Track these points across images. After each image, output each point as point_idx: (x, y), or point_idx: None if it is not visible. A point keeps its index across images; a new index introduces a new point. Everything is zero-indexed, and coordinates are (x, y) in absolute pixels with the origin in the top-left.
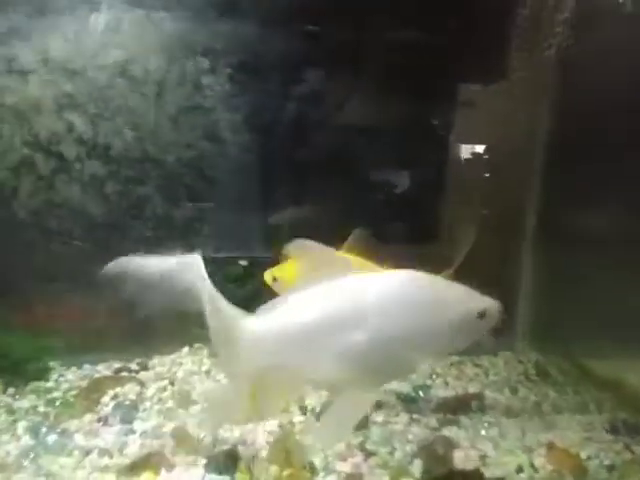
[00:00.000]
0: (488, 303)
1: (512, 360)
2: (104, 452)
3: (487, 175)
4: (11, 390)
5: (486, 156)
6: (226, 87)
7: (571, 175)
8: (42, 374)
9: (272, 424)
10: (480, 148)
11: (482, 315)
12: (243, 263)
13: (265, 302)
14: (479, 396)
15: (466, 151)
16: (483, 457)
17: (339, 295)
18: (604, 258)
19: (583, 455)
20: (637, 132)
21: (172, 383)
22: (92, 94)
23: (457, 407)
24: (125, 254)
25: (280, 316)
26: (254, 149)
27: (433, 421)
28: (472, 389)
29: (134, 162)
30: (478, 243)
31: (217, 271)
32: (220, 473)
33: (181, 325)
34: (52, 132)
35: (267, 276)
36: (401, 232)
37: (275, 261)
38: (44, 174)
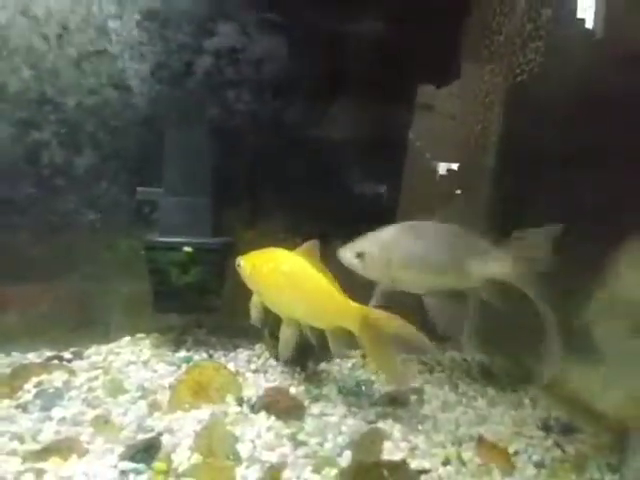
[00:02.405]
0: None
1: (458, 359)
2: (15, 437)
3: (440, 178)
4: None
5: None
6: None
7: (520, 182)
8: None
9: (204, 413)
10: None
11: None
12: (187, 249)
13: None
14: (418, 391)
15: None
16: (413, 449)
17: None
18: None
19: (511, 450)
20: (589, 146)
21: (106, 372)
22: None
23: (396, 401)
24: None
25: None
26: (162, 100)
27: (371, 414)
28: (415, 385)
29: (31, 104)
30: None
31: (160, 256)
32: (136, 461)
33: (124, 314)
34: None
35: (236, 262)
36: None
37: (229, 247)
38: None
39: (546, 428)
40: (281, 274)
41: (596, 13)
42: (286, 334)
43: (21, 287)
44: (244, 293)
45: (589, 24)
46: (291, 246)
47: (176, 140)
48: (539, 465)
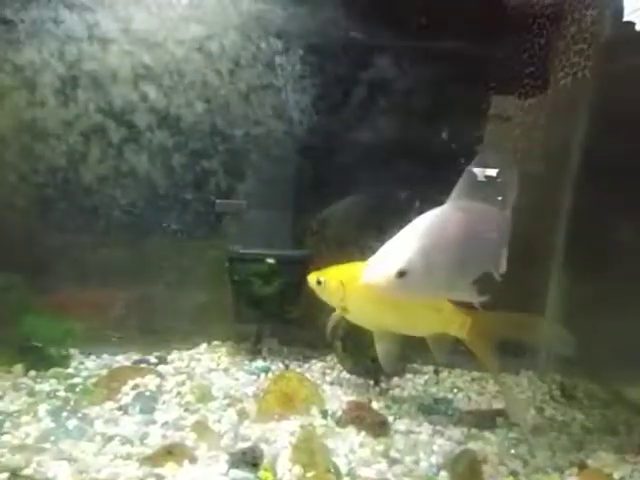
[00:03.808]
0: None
1: (535, 380)
2: (125, 440)
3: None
4: (32, 373)
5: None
6: (297, 68)
7: (604, 195)
8: (63, 360)
9: (294, 424)
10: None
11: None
12: (270, 260)
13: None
14: (502, 412)
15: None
16: (513, 473)
17: None
18: (636, 281)
19: (616, 476)
20: None
21: (191, 378)
22: (168, 67)
23: (481, 422)
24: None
25: None
26: (319, 131)
27: (457, 434)
28: (495, 405)
29: (203, 135)
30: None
31: (244, 268)
32: (243, 469)
33: (199, 322)
34: (126, 101)
35: (311, 279)
36: None
37: (308, 260)
38: (114, 141)
39: None
40: None
41: None
42: (384, 347)
43: (106, 292)
44: (314, 305)
45: None
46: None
47: (263, 155)
48: None
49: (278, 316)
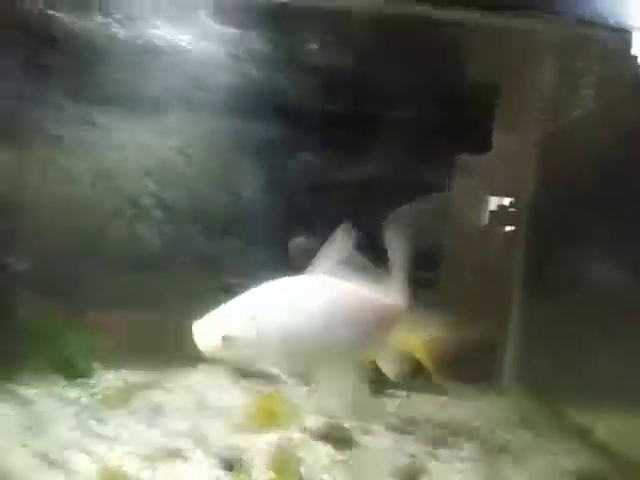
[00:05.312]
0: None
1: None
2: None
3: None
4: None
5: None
6: None
7: (559, 237)
8: (86, 373)
9: (272, 437)
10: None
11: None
12: None
13: None
14: (456, 432)
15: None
16: None
17: None
18: (591, 313)
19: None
20: (618, 197)
21: (191, 392)
22: None
23: (438, 441)
24: None
25: None
26: None
27: (413, 449)
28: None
29: None
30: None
31: None
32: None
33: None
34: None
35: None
36: None
37: None
38: None
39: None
40: None
41: None
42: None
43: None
44: None
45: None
46: None
47: None
48: None
49: None
